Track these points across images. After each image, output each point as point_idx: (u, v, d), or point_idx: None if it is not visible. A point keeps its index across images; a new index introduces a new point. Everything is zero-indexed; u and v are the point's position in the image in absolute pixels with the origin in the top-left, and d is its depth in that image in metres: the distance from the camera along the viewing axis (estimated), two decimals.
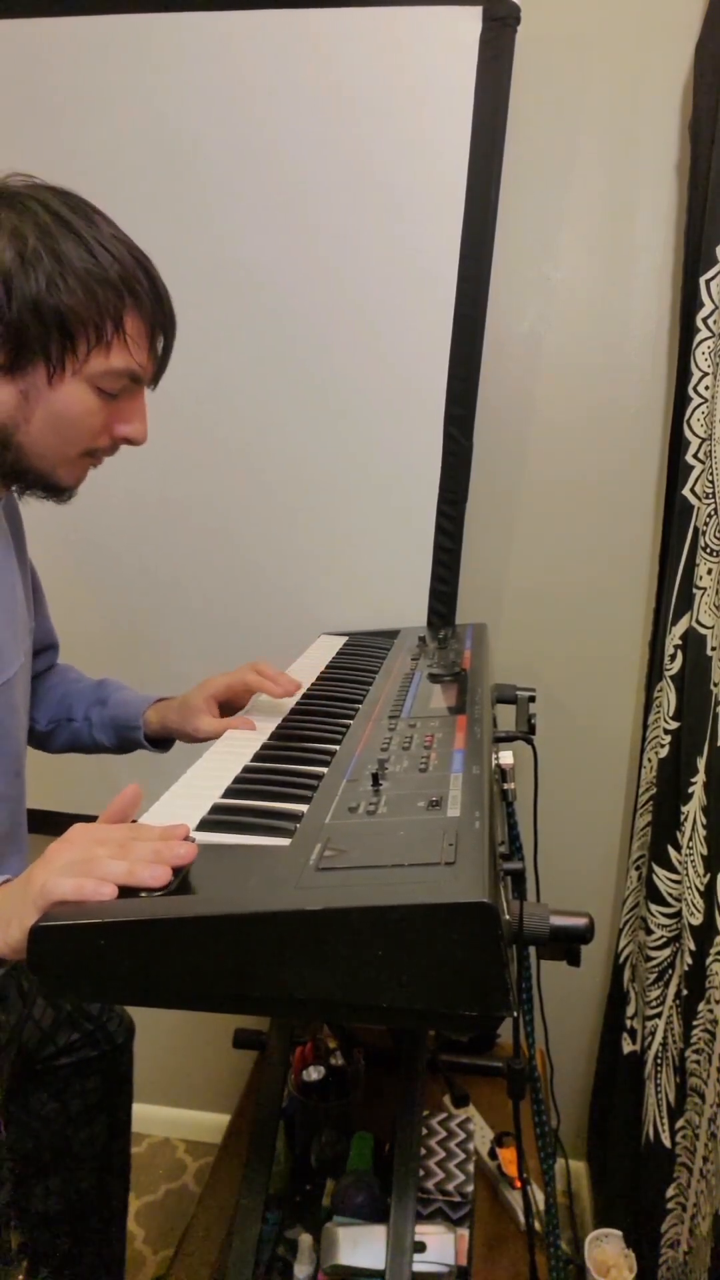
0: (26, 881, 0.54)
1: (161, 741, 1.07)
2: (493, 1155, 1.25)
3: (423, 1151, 1.19)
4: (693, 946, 1.20)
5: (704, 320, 1.22)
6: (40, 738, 1.10)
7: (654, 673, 1.40)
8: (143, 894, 0.53)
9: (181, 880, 0.54)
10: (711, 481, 1.23)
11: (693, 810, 1.24)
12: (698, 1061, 1.21)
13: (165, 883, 0.53)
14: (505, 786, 0.81)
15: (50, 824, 0.89)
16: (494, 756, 0.76)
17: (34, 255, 0.69)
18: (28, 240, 0.70)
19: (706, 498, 1.24)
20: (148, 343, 0.78)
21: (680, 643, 1.29)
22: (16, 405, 0.74)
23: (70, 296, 0.70)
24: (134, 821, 0.63)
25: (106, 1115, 1.19)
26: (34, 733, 1.08)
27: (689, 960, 1.21)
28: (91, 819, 0.62)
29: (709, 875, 1.18)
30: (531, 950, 0.57)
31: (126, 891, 0.53)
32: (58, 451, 0.78)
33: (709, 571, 1.23)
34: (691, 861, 1.24)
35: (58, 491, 0.83)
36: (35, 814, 1.03)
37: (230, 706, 1.03)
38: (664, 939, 1.32)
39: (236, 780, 0.74)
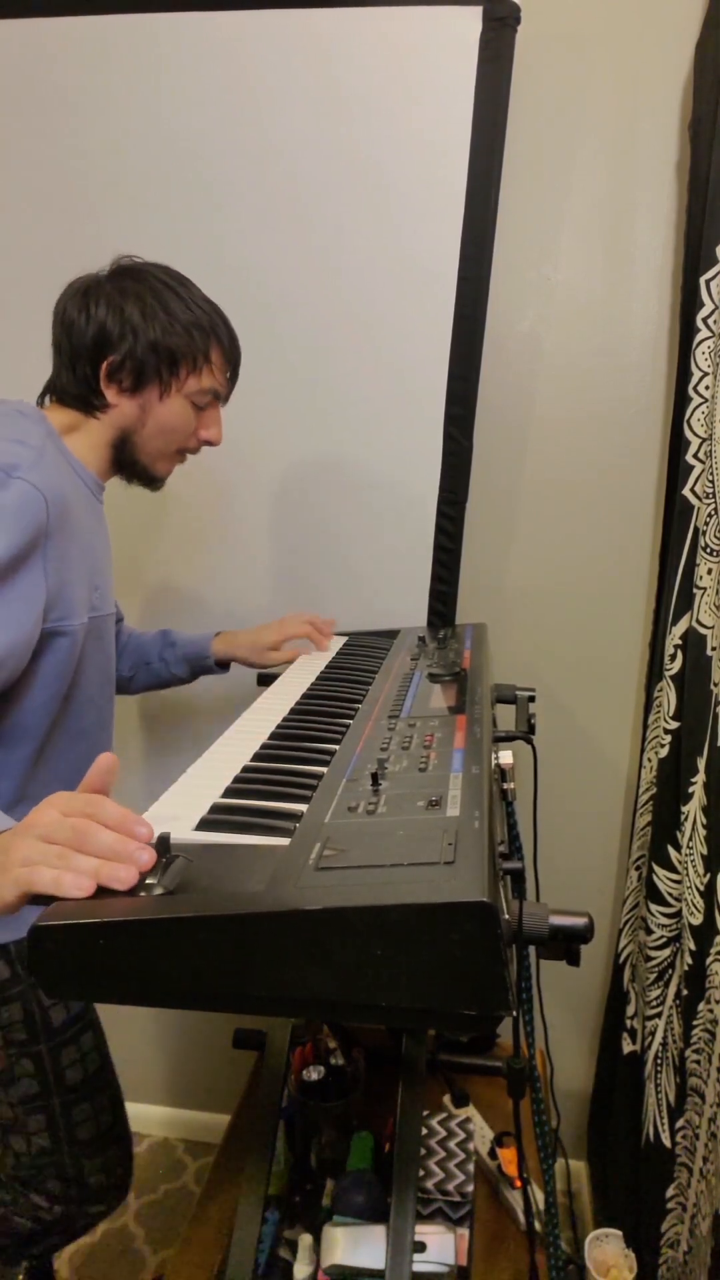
0: (6, 850, 0.57)
1: (225, 664, 1.36)
2: (493, 1155, 1.25)
3: (423, 1151, 1.19)
4: (693, 946, 1.20)
5: (704, 320, 1.22)
6: (123, 683, 1.35)
7: (654, 673, 1.40)
8: (142, 893, 0.53)
9: (174, 881, 0.54)
10: (711, 481, 1.23)
11: (693, 810, 1.24)
12: (698, 1061, 1.21)
13: (130, 885, 0.53)
14: (505, 786, 0.80)
15: None
16: (494, 756, 0.76)
17: (151, 311, 0.98)
18: (146, 301, 0.99)
19: (706, 498, 1.24)
20: (225, 369, 1.07)
21: (680, 643, 1.29)
22: (137, 415, 1.02)
23: (177, 339, 0.99)
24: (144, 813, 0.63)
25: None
26: (118, 680, 1.30)
27: (689, 960, 1.21)
28: None
29: (709, 875, 1.18)
30: (531, 950, 0.57)
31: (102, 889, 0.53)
32: (160, 449, 1.06)
33: (709, 571, 1.23)
34: (691, 861, 1.24)
35: (153, 481, 1.10)
36: None
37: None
38: (664, 939, 1.32)
39: (236, 779, 0.74)
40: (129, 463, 1.06)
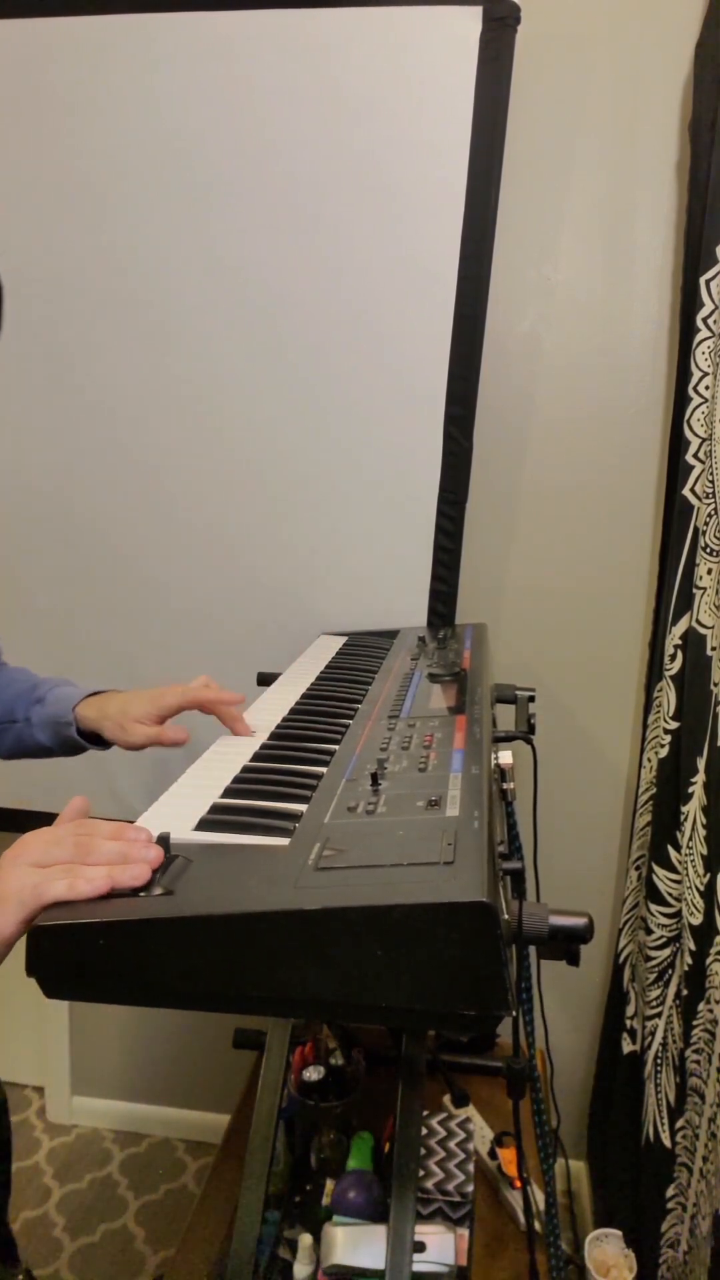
0: None
1: (99, 740, 0.94)
2: (493, 1155, 1.25)
3: (423, 1151, 1.19)
4: (693, 946, 1.20)
5: (704, 320, 1.22)
6: None
7: (654, 673, 1.40)
8: (142, 894, 0.53)
9: (174, 881, 0.54)
10: (711, 481, 1.23)
11: (693, 810, 1.24)
12: (698, 1061, 1.21)
13: (145, 881, 0.53)
14: (505, 786, 0.80)
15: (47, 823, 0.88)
16: (493, 756, 0.76)
17: None
18: None
19: (706, 498, 1.24)
20: None
21: (680, 642, 1.29)
22: None
23: None
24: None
25: None
26: None
27: (689, 960, 1.21)
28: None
29: (709, 875, 1.18)
30: (531, 950, 0.57)
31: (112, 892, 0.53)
32: None
33: (709, 571, 1.23)
34: (691, 861, 1.24)
35: None
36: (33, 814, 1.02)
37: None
38: (664, 939, 1.32)
39: (236, 780, 0.74)
40: None
